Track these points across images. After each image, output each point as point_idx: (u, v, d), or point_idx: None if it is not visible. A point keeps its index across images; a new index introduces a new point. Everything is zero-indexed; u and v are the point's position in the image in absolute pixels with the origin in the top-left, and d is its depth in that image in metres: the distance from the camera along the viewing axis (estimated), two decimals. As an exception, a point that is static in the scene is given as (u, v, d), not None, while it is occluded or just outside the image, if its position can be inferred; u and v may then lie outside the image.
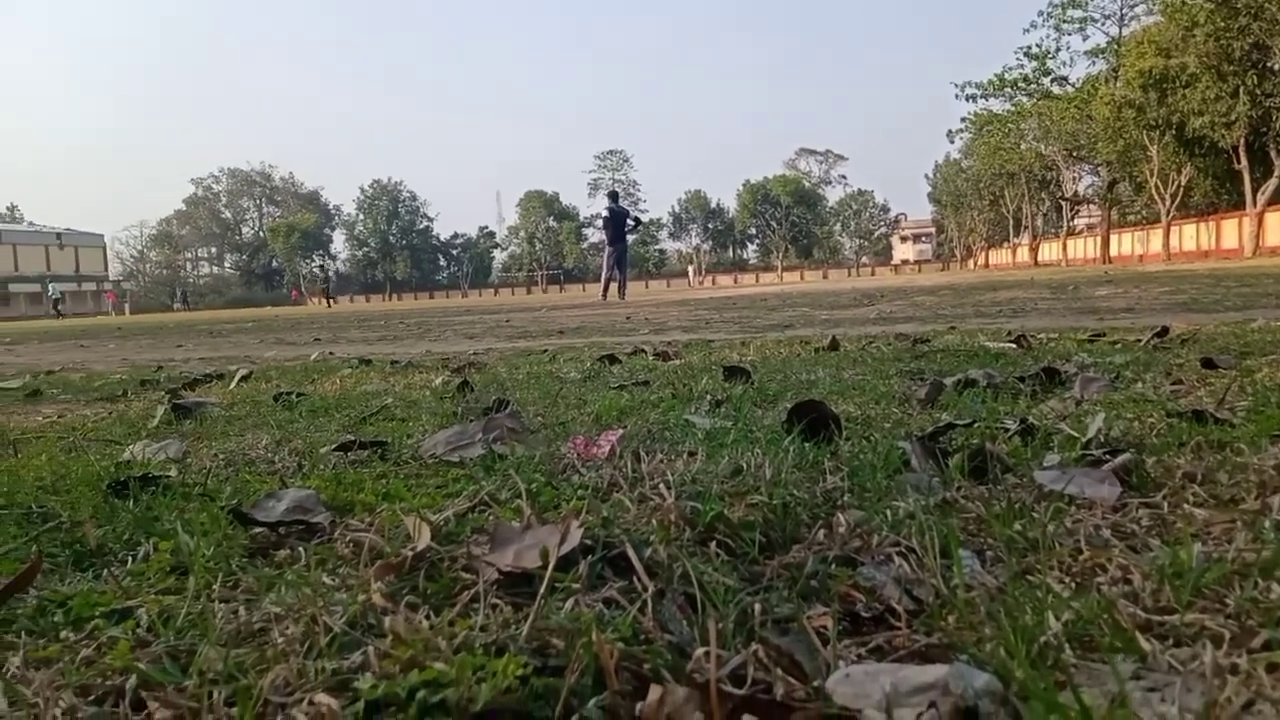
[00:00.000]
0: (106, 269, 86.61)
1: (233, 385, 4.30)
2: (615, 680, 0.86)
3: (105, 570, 1.31)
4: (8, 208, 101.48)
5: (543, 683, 0.85)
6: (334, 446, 2.13)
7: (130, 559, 1.35)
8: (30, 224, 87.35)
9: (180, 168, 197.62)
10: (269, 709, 0.82)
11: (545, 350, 5.75)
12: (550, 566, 1.09)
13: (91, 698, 0.89)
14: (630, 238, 21.33)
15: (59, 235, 79.43)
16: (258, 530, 1.42)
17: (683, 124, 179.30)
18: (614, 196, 21.70)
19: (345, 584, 1.14)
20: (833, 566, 1.15)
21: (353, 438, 2.19)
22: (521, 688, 0.84)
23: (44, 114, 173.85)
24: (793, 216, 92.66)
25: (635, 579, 1.11)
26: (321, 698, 0.81)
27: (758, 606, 1.01)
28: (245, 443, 2.40)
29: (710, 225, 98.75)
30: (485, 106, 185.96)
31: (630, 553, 1.15)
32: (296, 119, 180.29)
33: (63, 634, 1.06)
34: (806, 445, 1.79)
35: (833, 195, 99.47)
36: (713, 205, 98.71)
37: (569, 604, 1.04)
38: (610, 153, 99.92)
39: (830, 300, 12.99)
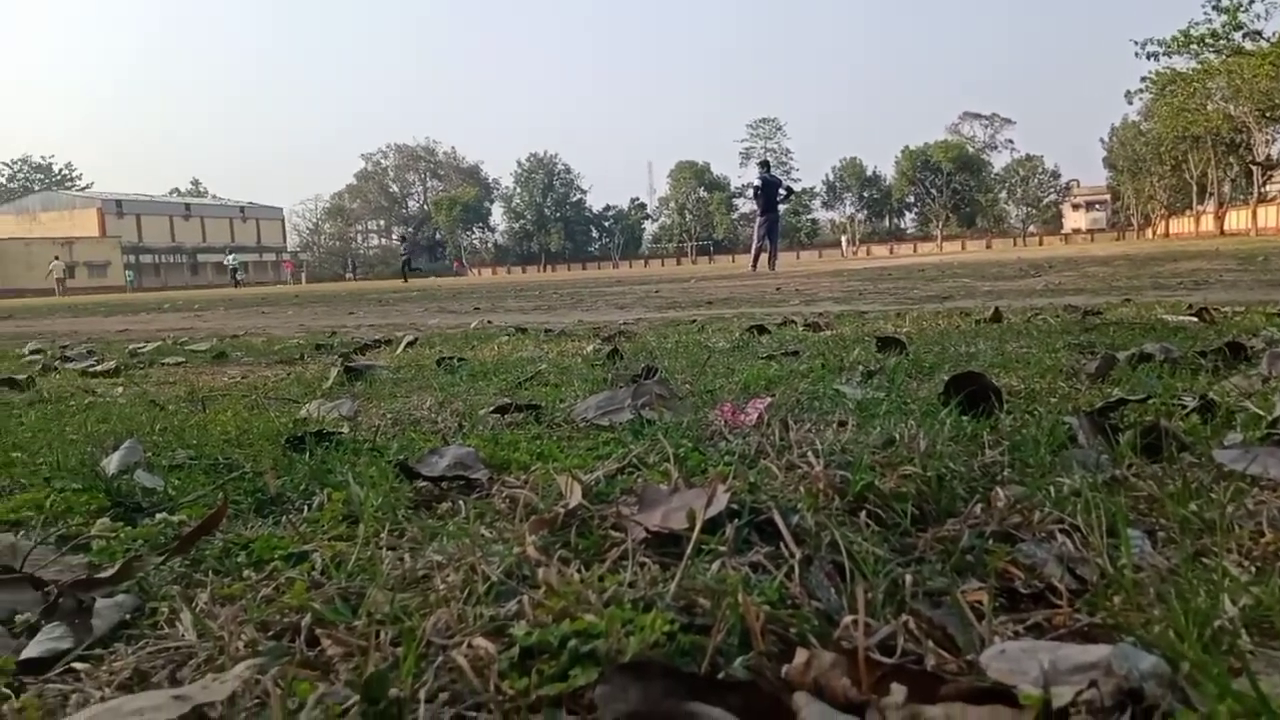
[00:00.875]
0: (285, 240, 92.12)
1: (399, 350, 4.51)
2: (761, 641, 0.87)
3: (284, 517, 1.41)
4: (192, 183, 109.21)
5: (689, 639, 0.86)
6: (492, 409, 2.21)
7: (306, 507, 1.44)
8: (215, 198, 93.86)
9: (352, 143, 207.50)
10: (431, 650, 0.87)
11: (694, 320, 5.76)
12: (697, 529, 1.10)
13: (270, 633, 0.97)
14: (782, 207, 21.02)
15: (242, 209, 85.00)
16: (422, 484, 1.50)
17: (838, 91, 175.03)
18: (765, 165, 21.44)
19: (502, 537, 1.18)
20: (990, 542, 1.12)
21: (509, 401, 2.26)
22: (668, 643, 0.85)
23: (234, 97, 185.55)
24: (954, 184, 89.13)
25: (782, 545, 1.10)
26: (479, 641, 0.85)
27: (909, 578, 0.99)
28: (410, 404, 2.52)
29: (865, 194, 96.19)
30: (639, 78, 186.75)
31: (777, 519, 1.15)
32: (457, 94, 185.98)
33: (245, 574, 1.15)
34: (964, 418, 1.73)
35: (998, 161, 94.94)
36: (869, 173, 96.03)
37: (715, 566, 1.05)
38: (763, 121, 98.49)
39: (994, 271, 12.47)
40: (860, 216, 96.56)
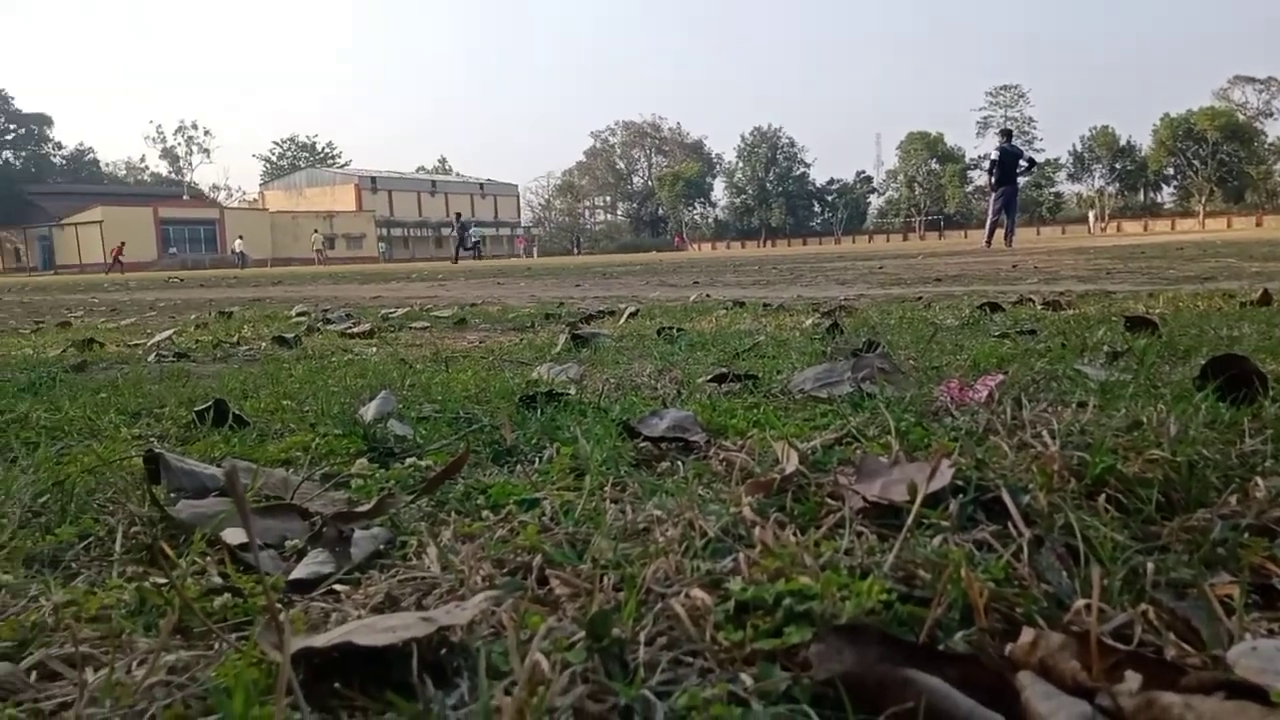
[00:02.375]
0: (519, 216, 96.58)
1: (622, 321, 4.65)
2: (984, 618, 0.84)
3: (517, 466, 1.50)
4: (439, 160, 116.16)
5: (907, 609, 0.85)
6: (709, 377, 2.25)
7: (537, 459, 1.53)
8: (458, 175, 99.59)
9: (583, 122, 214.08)
10: (650, 597, 0.90)
11: (920, 297, 5.57)
12: (918, 501, 1.07)
13: (505, 570, 1.04)
14: (1022, 180, 19.79)
15: (481, 186, 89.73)
16: (642, 443, 1.55)
17: (1088, 55, 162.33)
18: (1006, 135, 20.21)
19: (718, 497, 1.21)
20: (1245, 535, 1.03)
21: (726, 370, 2.28)
22: (885, 611, 0.85)
23: (476, 80, 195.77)
24: (1220, 154, 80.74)
25: (1010, 524, 1.06)
26: (696, 592, 0.88)
27: (1150, 566, 0.93)
28: (632, 370, 2.60)
29: (1118, 165, 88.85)
30: (867, 46, 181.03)
31: (1006, 497, 1.11)
32: (683, 70, 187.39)
33: (484, 515, 1.24)
34: (1222, 404, 1.59)
35: (1274, 130, 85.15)
36: (1121, 143, 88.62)
37: (936, 540, 1.02)
38: (1003, 88, 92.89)
39: (1265, 251, 11.24)
40: (1110, 190, 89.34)
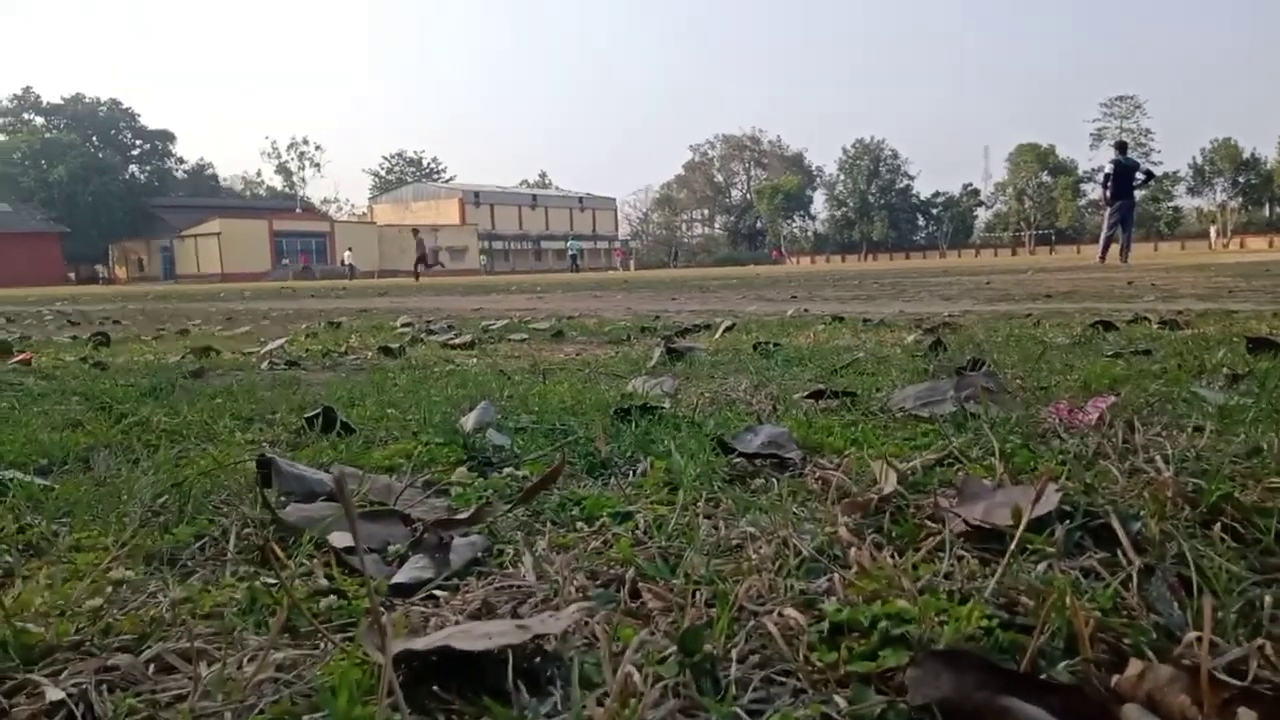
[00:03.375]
0: (617, 229, 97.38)
1: (717, 335, 4.64)
2: (1089, 648, 0.81)
3: (611, 479, 1.51)
4: (539, 175, 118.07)
5: (1008, 637, 0.83)
6: (806, 394, 2.23)
7: (631, 472, 1.54)
8: (558, 189, 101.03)
9: (682, 136, 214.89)
10: (743, 614, 0.90)
11: (1029, 314, 5.41)
12: (1022, 526, 1.04)
13: (599, 581, 1.05)
14: (1139, 194, 19.02)
15: (580, 199, 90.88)
16: (736, 459, 1.55)
17: (1208, 64, 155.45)
18: (1121, 147, 19.45)
19: (813, 516, 1.20)
20: (1376, 570, 0.97)
21: (823, 387, 2.26)
22: (985, 637, 0.83)
23: (576, 96, 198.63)
24: (1356, 167, 76.19)
25: (1119, 552, 1.02)
26: (790, 611, 0.87)
27: (1268, 599, 0.88)
28: (727, 385, 2.60)
29: (1240, 179, 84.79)
30: (975, 56, 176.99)
31: (1115, 524, 1.07)
32: (784, 82, 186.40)
33: (578, 526, 1.25)
34: (1355, 431, 1.50)
35: None
36: (1245, 155, 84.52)
37: (1041, 566, 0.99)
38: (1118, 99, 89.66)
39: (1404, 268, 10.55)
40: (1233, 204, 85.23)
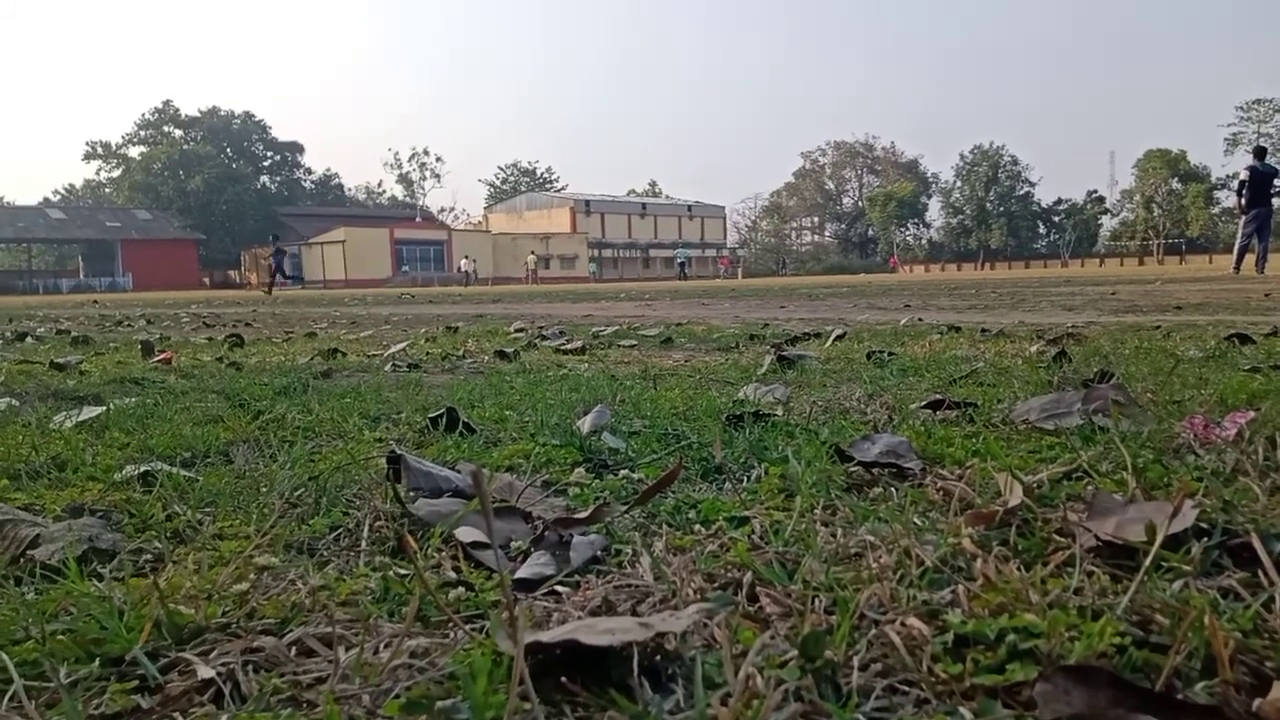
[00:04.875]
0: (725, 237, 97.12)
1: (828, 343, 4.59)
2: (1228, 669, 0.78)
3: (725, 484, 1.52)
4: (649, 184, 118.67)
5: (1142, 655, 0.80)
6: (923, 404, 2.19)
7: (745, 478, 1.55)
8: (667, 198, 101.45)
9: (792, 143, 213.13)
10: (863, 622, 0.90)
11: (1157, 326, 5.17)
12: (1157, 542, 1.01)
13: (716, 584, 1.06)
14: (1276, 202, 17.97)
15: (689, 207, 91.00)
16: (853, 468, 1.53)
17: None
18: (1260, 153, 18.40)
19: (935, 526, 1.18)
20: None
21: (941, 397, 2.21)
22: (1117, 655, 0.80)
23: (683, 110, 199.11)
24: None
25: (1260, 573, 0.98)
26: (913, 621, 0.87)
27: None
28: (840, 393, 2.57)
29: (1395, 184, 79.01)
30: (1102, 57, 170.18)
31: (1256, 543, 1.02)
32: (899, 89, 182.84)
33: (695, 529, 1.26)
34: None
35: None
36: (1402, 159, 78.82)
37: (1176, 584, 0.96)
38: (1256, 102, 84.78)
39: None
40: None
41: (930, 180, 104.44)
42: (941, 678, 0.79)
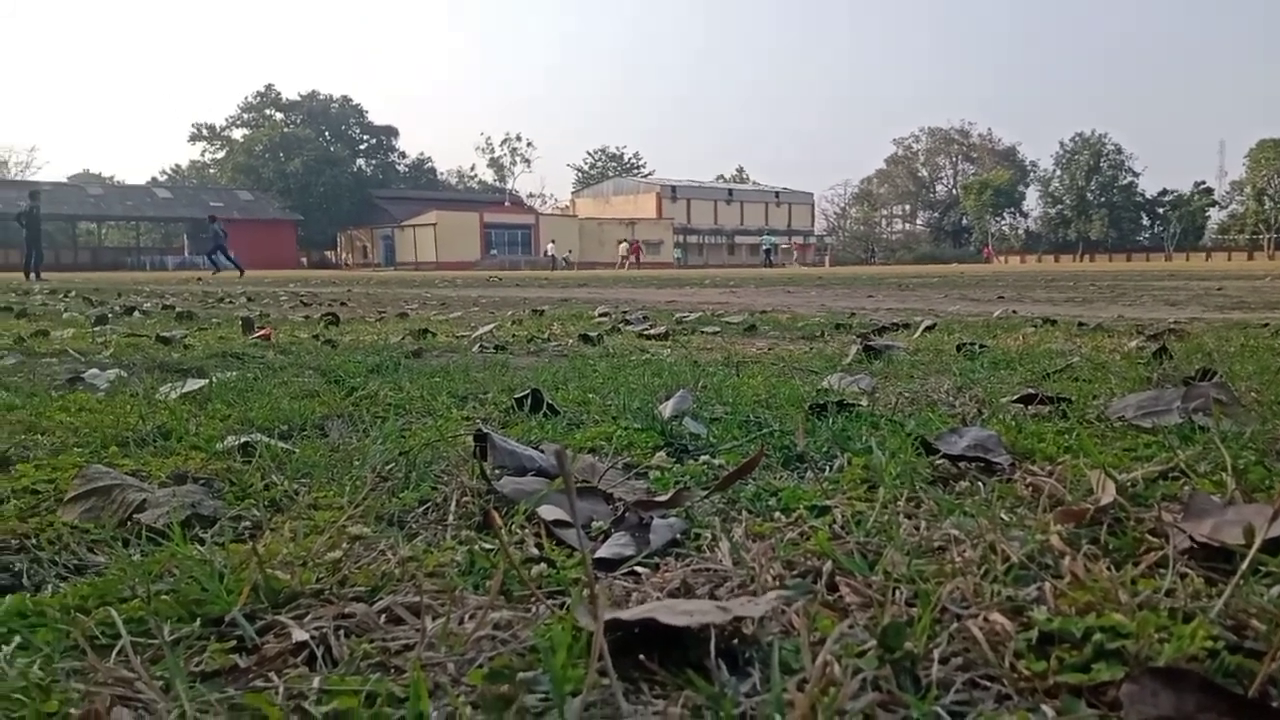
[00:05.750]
0: (813, 224, 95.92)
1: (917, 334, 4.51)
2: (1332, 681, 0.75)
3: (807, 473, 1.51)
4: (736, 170, 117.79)
5: (1235, 660, 0.78)
6: (1014, 398, 2.14)
7: (828, 467, 1.54)
8: (754, 184, 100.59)
9: (884, 130, 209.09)
10: (945, 616, 0.89)
11: (1266, 324, 4.95)
12: (1255, 546, 0.97)
13: (795, 571, 1.06)
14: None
15: (777, 194, 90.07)
16: (939, 460, 1.51)
17: None
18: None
19: (1022, 522, 1.16)
20: None
21: (1034, 391, 2.16)
22: (1209, 659, 0.78)
23: (772, 95, 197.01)
24: None
25: (1370, 583, 0.94)
26: (996, 616, 0.85)
27: None
28: (928, 385, 2.53)
29: None
30: (1213, 42, 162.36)
31: (1367, 552, 0.97)
32: (997, 75, 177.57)
33: (775, 516, 1.26)
34: None
35: None
36: None
37: (1275, 589, 0.92)
38: (1386, 88, 79.84)
39: None
40: None
41: (1028, 168, 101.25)
42: (1024, 674, 0.78)
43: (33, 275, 21.02)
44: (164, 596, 0.98)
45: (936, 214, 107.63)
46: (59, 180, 73.27)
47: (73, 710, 0.75)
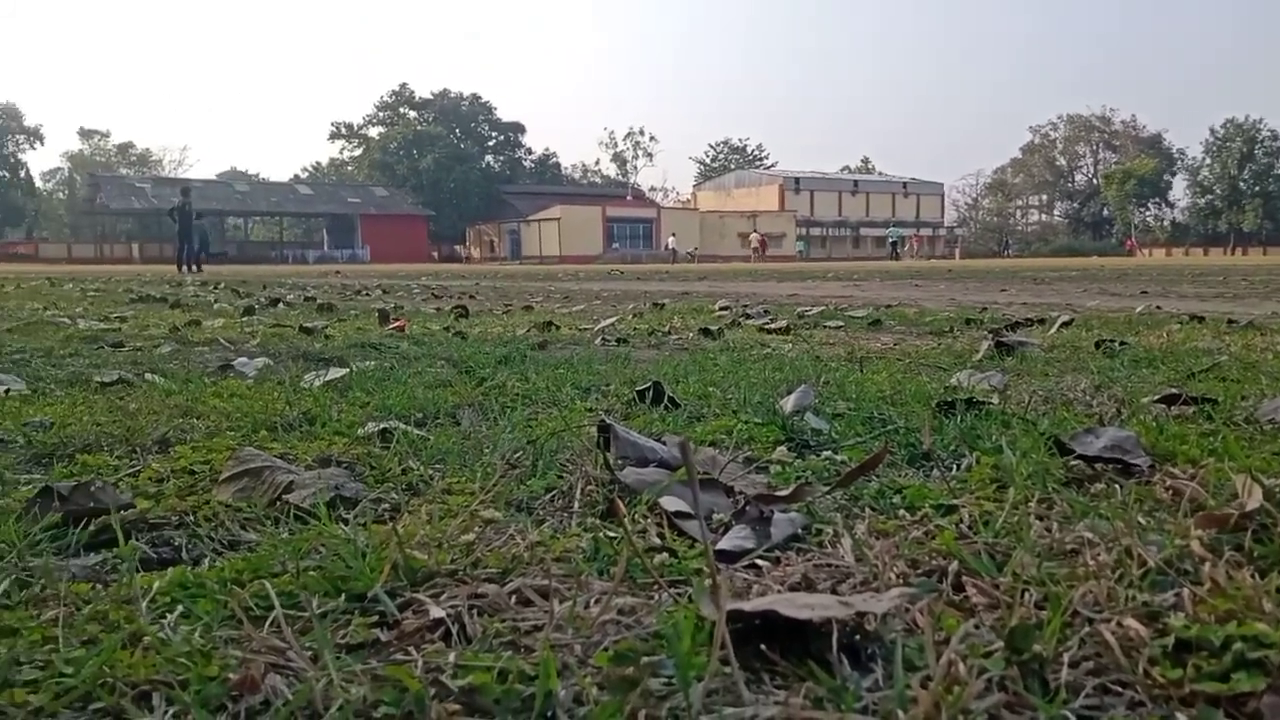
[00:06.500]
0: (942, 216, 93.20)
1: (1052, 330, 4.35)
2: None
3: (933, 471, 1.49)
4: (862, 160, 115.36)
5: (1396, 680, 0.74)
6: (1156, 398, 2.05)
7: (955, 466, 1.51)
8: (881, 174, 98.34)
9: (1019, 118, 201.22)
10: (1076, 620, 0.87)
11: None
12: None
13: (919, 570, 1.05)
14: None
15: (904, 185, 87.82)
16: (1074, 461, 1.47)
17: None
18: None
19: (1160, 527, 1.11)
20: None
21: (1178, 391, 2.06)
22: (1364, 676, 0.74)
23: (898, 80, 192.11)
24: None
25: None
26: (1130, 622, 0.83)
27: None
28: (1063, 383, 2.44)
29: None
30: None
31: None
32: (1140, 58, 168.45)
33: (899, 514, 1.25)
34: None
35: None
36: None
37: None
38: None
39: None
40: None
41: (1175, 157, 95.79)
42: (1158, 681, 0.76)
43: (191, 267, 22.32)
44: (311, 572, 1.04)
45: (1075, 205, 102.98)
46: (208, 177, 77.81)
47: (231, 675, 0.81)
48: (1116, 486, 1.34)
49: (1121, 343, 3.42)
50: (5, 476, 1.53)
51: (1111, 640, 0.81)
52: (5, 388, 2.38)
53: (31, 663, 0.84)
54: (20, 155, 77.57)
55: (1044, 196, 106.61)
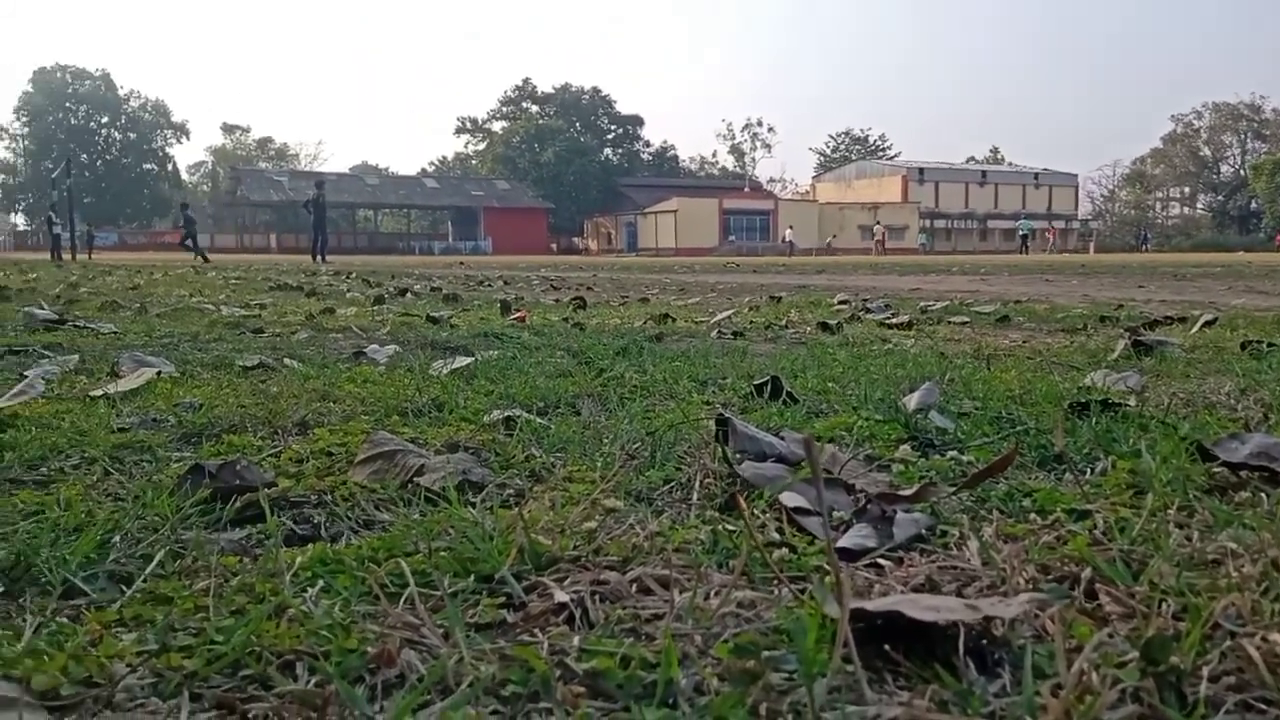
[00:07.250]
0: (1076, 208, 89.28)
1: (1194, 329, 4.13)
2: None
3: (1065, 475, 1.44)
4: (990, 150, 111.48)
5: None
6: (1310, 403, 1.93)
7: (1089, 470, 1.46)
8: (1011, 165, 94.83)
9: (1160, 105, 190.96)
10: (1217, 633, 0.83)
11: None
12: None
13: (1050, 576, 1.02)
14: None
15: (1036, 175, 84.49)
16: (1217, 468, 1.40)
17: None
18: None
19: (1313, 540, 1.05)
20: None
21: (1335, 397, 1.94)
22: None
23: (1029, 65, 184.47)
24: None
25: None
26: (1276, 636, 0.79)
27: None
28: (1206, 386, 2.33)
29: None
30: None
31: None
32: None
33: (1029, 518, 1.22)
34: None
35: None
36: None
37: None
38: None
39: None
40: None
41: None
42: (1309, 703, 0.72)
43: (318, 258, 23.32)
44: (443, 553, 1.08)
45: (1220, 197, 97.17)
46: (341, 171, 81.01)
47: (369, 648, 0.85)
48: (1263, 495, 1.27)
49: (1270, 344, 3.22)
50: (159, 454, 1.64)
51: (1255, 655, 0.77)
52: (157, 370, 2.54)
53: (185, 629, 0.91)
54: (168, 149, 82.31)
55: (1186, 188, 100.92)
